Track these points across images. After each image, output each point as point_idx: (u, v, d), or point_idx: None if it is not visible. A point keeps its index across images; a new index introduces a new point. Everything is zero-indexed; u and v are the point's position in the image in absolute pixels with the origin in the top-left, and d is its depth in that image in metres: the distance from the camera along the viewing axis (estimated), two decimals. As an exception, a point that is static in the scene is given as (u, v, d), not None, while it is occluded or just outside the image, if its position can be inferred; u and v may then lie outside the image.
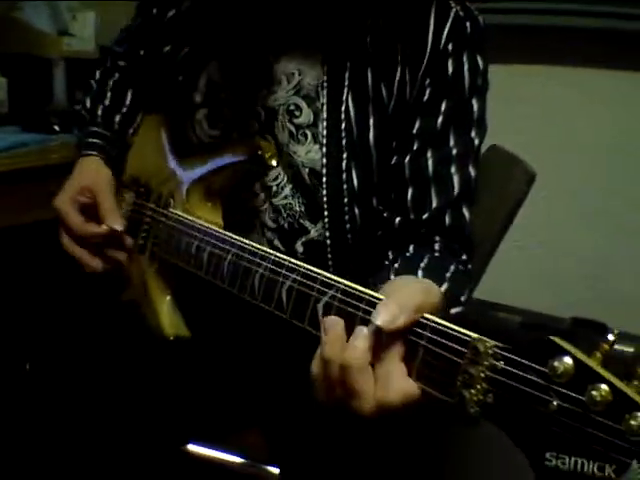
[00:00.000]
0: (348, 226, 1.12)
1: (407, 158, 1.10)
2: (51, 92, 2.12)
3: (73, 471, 1.19)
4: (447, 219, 1.10)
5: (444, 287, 0.97)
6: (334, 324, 0.77)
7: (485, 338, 0.64)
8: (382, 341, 0.73)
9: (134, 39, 1.37)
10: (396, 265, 1.04)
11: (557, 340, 0.58)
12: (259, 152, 1.13)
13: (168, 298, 1.17)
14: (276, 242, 1.17)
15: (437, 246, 1.10)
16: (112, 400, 1.18)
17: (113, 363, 1.21)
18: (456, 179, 1.10)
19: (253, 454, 1.27)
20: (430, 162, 1.10)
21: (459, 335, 0.66)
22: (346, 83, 1.11)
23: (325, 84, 1.12)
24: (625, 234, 2.33)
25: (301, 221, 1.16)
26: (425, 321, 0.70)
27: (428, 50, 1.08)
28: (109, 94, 1.36)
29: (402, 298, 0.74)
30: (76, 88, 2.13)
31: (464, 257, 1.11)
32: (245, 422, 1.26)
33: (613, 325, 1.98)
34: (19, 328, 1.83)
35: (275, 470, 1.23)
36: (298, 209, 1.16)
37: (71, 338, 1.27)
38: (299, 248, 1.16)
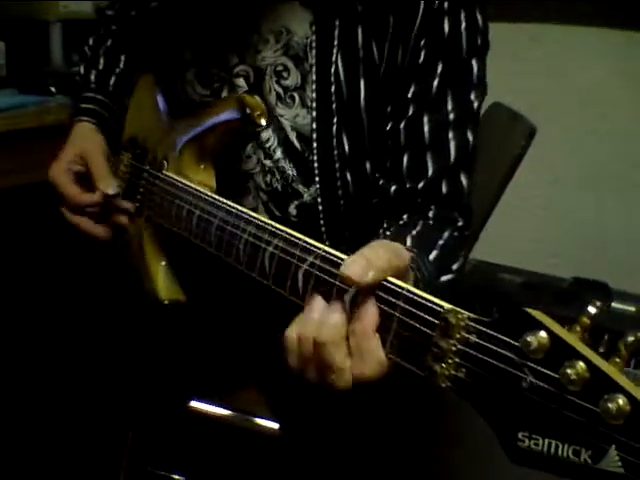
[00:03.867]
0: (340, 192, 1.10)
1: (402, 124, 1.06)
2: (48, 54, 2.10)
3: (79, 431, 1.22)
4: (444, 187, 1.07)
5: (433, 255, 0.95)
6: (311, 301, 0.76)
7: (458, 309, 0.60)
8: (357, 313, 0.70)
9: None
10: (388, 232, 1.01)
11: (532, 312, 0.53)
12: (247, 111, 1.10)
13: (163, 263, 1.16)
14: (270, 205, 1.16)
15: (431, 214, 1.07)
16: (113, 362, 1.20)
17: (113, 324, 1.22)
18: (453, 145, 1.06)
19: (252, 410, 1.27)
20: (426, 127, 1.05)
21: (431, 306, 0.63)
22: (335, 43, 1.06)
23: (314, 44, 1.08)
24: (627, 195, 2.31)
25: (293, 185, 1.13)
26: (399, 289, 0.67)
27: (421, 9, 1.03)
28: (102, 59, 1.35)
29: (369, 253, 0.72)
30: (73, 50, 2.11)
31: (460, 223, 1.08)
32: (244, 380, 1.26)
33: (614, 286, 1.99)
34: (15, 290, 1.84)
35: (275, 425, 1.23)
36: (290, 173, 1.13)
37: (70, 299, 1.28)
38: (292, 211, 1.14)
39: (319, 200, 1.11)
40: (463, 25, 1.04)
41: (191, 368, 1.25)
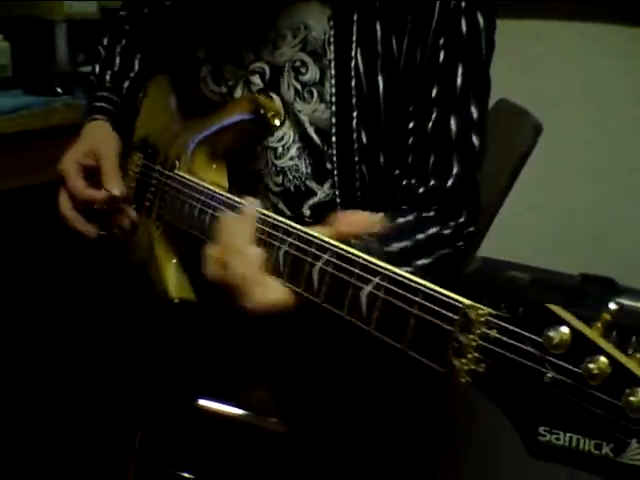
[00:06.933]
0: (358, 184, 1.10)
1: (430, 124, 1.07)
2: (53, 54, 2.10)
3: (88, 430, 1.23)
4: (466, 187, 1.09)
5: (402, 244, 0.98)
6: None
7: (478, 305, 0.60)
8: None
9: None
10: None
11: (554, 308, 0.54)
12: (262, 111, 1.10)
13: (174, 261, 1.17)
14: (281, 206, 1.16)
15: (436, 206, 1.08)
16: (122, 361, 1.21)
17: (122, 324, 1.23)
18: (477, 145, 1.08)
19: (261, 409, 1.28)
20: (453, 128, 1.07)
21: (450, 301, 0.63)
22: (354, 38, 1.07)
23: (332, 39, 1.09)
24: (633, 190, 2.31)
25: (307, 183, 1.14)
26: (417, 286, 0.67)
27: (437, 6, 1.04)
28: (118, 59, 1.36)
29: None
30: (78, 50, 2.12)
31: (462, 219, 1.09)
32: (252, 379, 1.27)
33: (620, 282, 1.99)
34: (23, 292, 1.84)
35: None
36: (304, 170, 1.13)
37: (77, 299, 1.28)
38: (306, 212, 1.15)
39: (337, 193, 1.11)
40: (481, 26, 1.06)
41: (200, 367, 1.26)
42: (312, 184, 1.14)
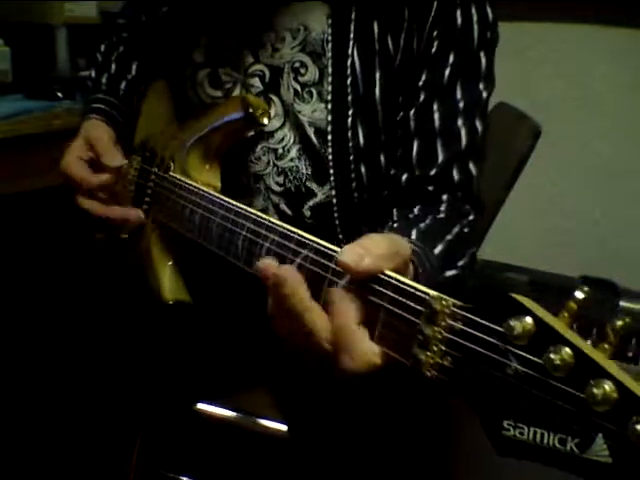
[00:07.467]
0: (354, 184, 1.09)
1: (412, 111, 1.06)
2: (54, 59, 2.11)
3: (88, 435, 1.22)
4: (455, 174, 1.06)
5: (438, 249, 0.93)
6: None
7: (444, 296, 0.58)
8: (342, 307, 0.68)
9: (136, 4, 1.36)
10: (395, 225, 1.00)
11: (518, 297, 0.52)
12: (250, 110, 1.10)
13: (170, 263, 1.17)
14: (282, 206, 1.15)
15: (444, 207, 1.06)
16: (121, 365, 1.19)
17: (120, 327, 1.21)
18: (463, 132, 1.05)
19: (260, 412, 1.26)
20: (436, 115, 1.05)
21: (417, 293, 0.61)
22: (351, 36, 1.06)
23: (330, 38, 1.08)
24: (633, 192, 2.30)
25: (307, 184, 1.13)
26: (387, 279, 0.65)
27: (435, 2, 1.04)
28: (114, 64, 1.36)
29: (365, 241, 0.69)
30: (78, 54, 2.13)
31: (472, 217, 1.07)
32: (252, 381, 1.26)
33: (620, 284, 1.98)
34: (22, 296, 1.84)
35: (283, 427, 1.22)
36: (304, 171, 1.13)
37: (77, 303, 1.28)
38: (306, 212, 1.14)
39: (333, 193, 1.10)
40: (475, 18, 1.05)
41: (199, 370, 1.25)
42: (312, 185, 1.13)
